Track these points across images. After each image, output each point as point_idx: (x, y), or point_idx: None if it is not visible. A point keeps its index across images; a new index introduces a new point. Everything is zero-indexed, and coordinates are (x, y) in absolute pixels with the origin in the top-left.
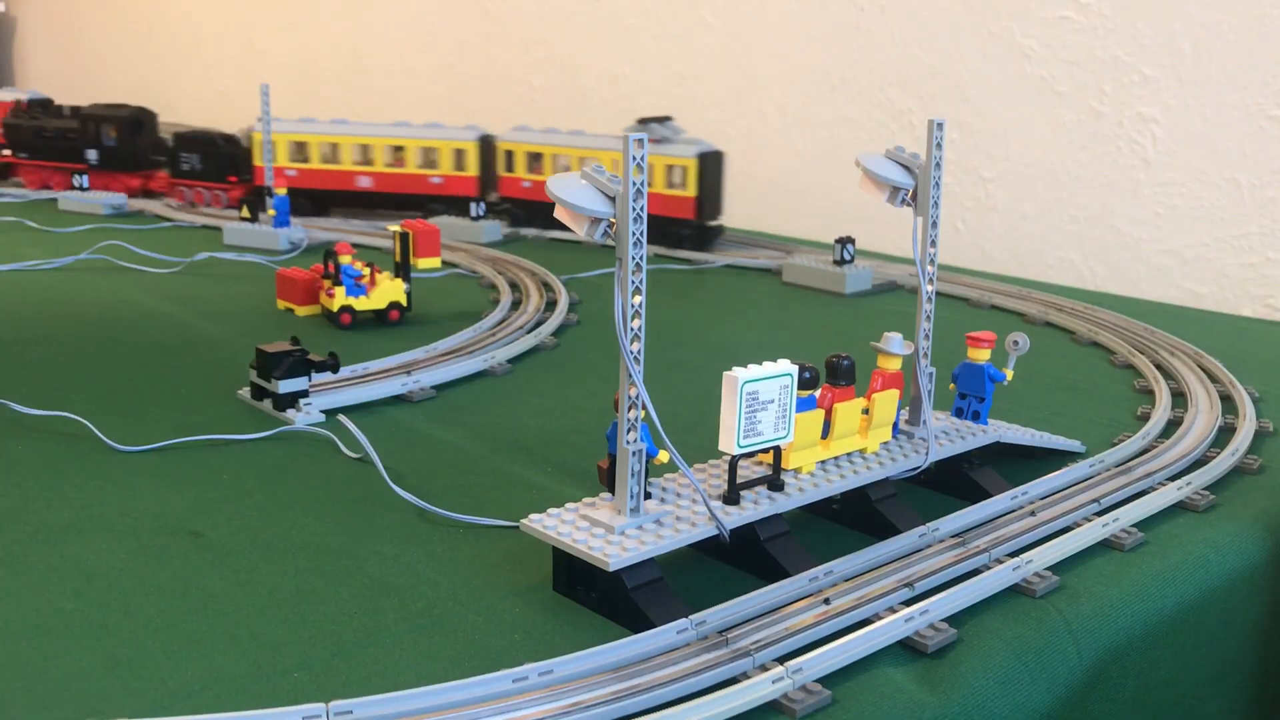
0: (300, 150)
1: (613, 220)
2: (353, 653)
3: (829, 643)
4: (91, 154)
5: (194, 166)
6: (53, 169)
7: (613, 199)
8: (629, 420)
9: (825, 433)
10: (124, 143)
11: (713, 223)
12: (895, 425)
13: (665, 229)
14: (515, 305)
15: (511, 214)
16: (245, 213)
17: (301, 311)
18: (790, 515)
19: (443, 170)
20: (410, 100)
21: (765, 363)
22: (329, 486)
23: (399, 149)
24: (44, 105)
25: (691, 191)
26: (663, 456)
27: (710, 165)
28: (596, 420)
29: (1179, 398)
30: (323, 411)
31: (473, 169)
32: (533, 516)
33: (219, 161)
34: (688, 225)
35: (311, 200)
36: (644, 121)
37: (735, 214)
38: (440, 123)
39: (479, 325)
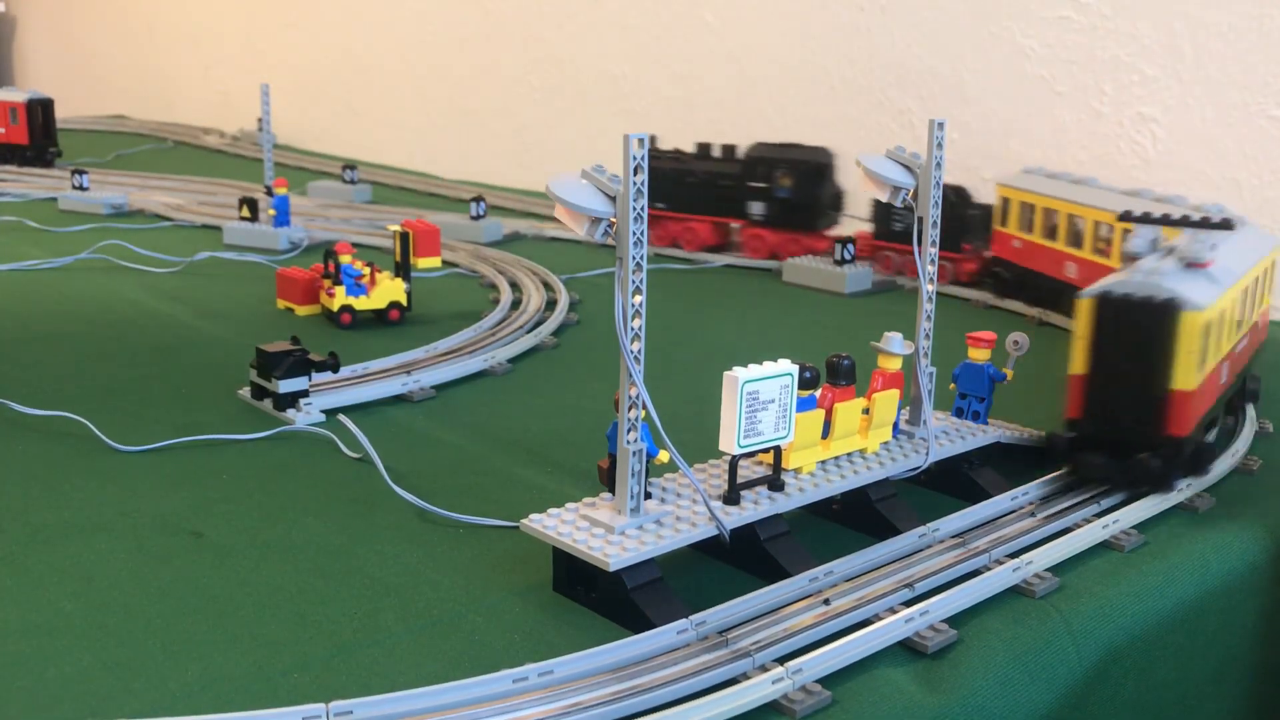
0: (1026, 215)
1: (613, 220)
2: (353, 653)
3: (829, 643)
4: (756, 207)
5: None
6: (698, 222)
7: (613, 199)
8: (629, 420)
9: (825, 433)
10: (800, 194)
11: None
12: (895, 425)
13: None
14: (515, 305)
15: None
16: (245, 212)
17: (301, 311)
18: (790, 515)
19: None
20: (411, 100)
21: (765, 363)
22: (329, 486)
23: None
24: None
25: None
26: (663, 456)
27: None
28: (596, 420)
29: None
30: (323, 411)
31: None
32: (533, 516)
33: (948, 222)
34: None
35: (1020, 285)
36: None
37: None
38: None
39: (479, 325)
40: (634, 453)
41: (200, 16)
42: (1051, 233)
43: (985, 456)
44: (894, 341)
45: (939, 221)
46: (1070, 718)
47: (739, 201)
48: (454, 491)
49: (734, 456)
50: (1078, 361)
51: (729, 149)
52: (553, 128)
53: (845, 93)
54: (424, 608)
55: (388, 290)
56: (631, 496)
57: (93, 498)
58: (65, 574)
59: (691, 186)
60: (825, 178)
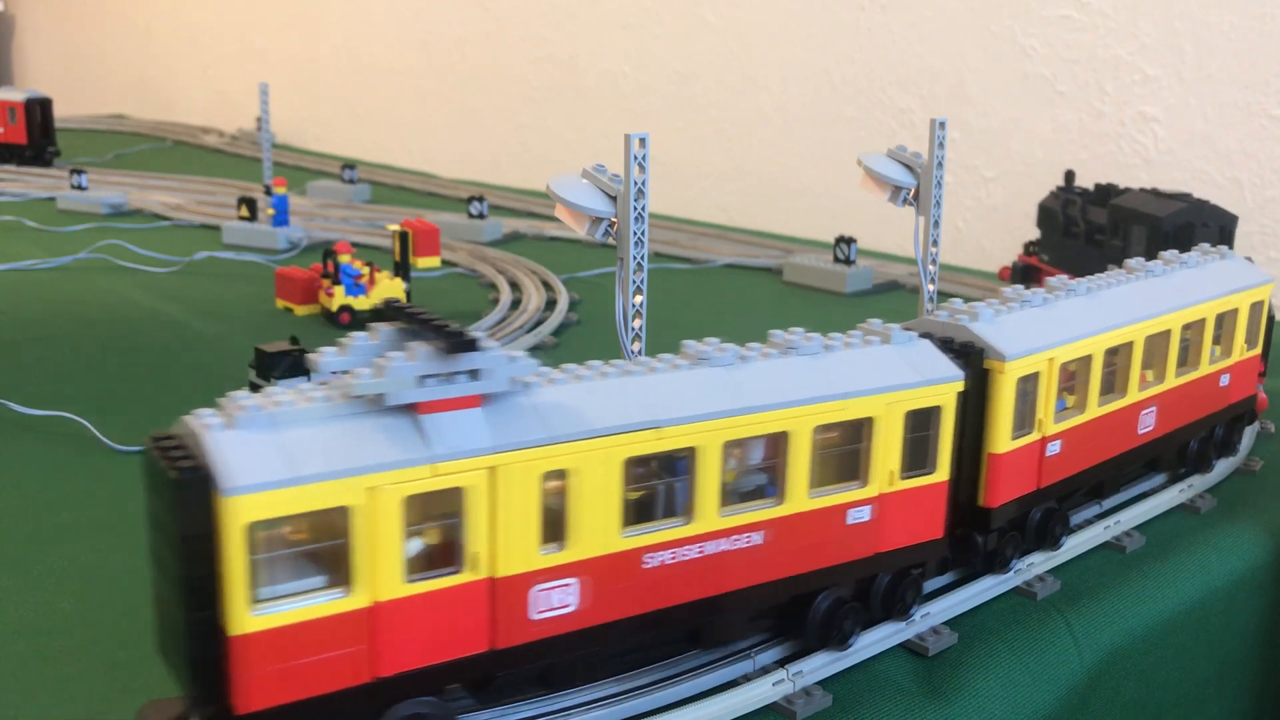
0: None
1: (614, 220)
2: None
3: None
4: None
5: None
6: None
7: (614, 198)
8: None
9: None
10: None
11: None
12: None
13: None
14: (515, 305)
15: None
16: (244, 211)
17: (300, 311)
18: None
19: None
20: (411, 100)
21: None
22: None
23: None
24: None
25: None
26: None
27: None
28: None
29: None
30: None
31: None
32: None
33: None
34: None
35: None
36: None
37: (735, 213)
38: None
39: (478, 325)
40: None
41: (199, 16)
42: None
43: None
44: None
45: (940, 221)
46: (1071, 719)
47: (1098, 264)
48: None
49: None
50: None
51: (1109, 191)
52: (553, 128)
53: (845, 92)
54: None
55: (387, 290)
56: None
57: (92, 498)
58: (65, 574)
59: (1074, 238)
60: (1186, 246)
